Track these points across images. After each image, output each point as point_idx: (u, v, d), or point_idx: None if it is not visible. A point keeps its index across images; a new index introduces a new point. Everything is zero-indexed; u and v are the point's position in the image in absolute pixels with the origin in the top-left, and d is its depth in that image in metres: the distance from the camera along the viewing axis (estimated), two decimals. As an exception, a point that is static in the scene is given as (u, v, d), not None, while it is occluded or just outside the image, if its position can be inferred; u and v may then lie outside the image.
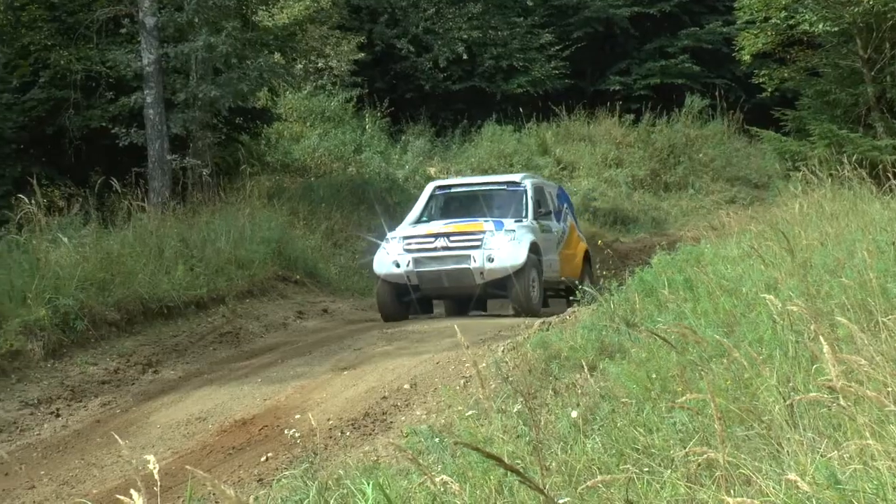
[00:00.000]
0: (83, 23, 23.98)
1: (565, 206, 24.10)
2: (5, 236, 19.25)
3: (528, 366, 12.87)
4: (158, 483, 5.51)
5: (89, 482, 12.68)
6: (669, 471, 7.17)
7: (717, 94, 39.00)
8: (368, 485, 8.31)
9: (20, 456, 13.56)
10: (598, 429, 8.98)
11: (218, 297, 20.32)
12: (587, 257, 24.23)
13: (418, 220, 21.70)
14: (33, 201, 20.01)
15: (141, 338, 18.49)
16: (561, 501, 6.47)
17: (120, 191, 21.81)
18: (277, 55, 27.42)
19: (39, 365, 16.83)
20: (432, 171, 31.90)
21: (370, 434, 13.25)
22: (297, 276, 22.50)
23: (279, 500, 8.98)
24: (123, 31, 24.05)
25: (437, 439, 10.39)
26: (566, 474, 7.87)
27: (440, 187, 22.90)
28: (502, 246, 20.19)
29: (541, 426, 8.90)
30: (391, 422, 13.69)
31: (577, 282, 21.35)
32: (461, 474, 8.04)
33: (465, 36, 36.10)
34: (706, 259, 15.48)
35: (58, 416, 15.49)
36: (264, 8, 28.15)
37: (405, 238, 20.60)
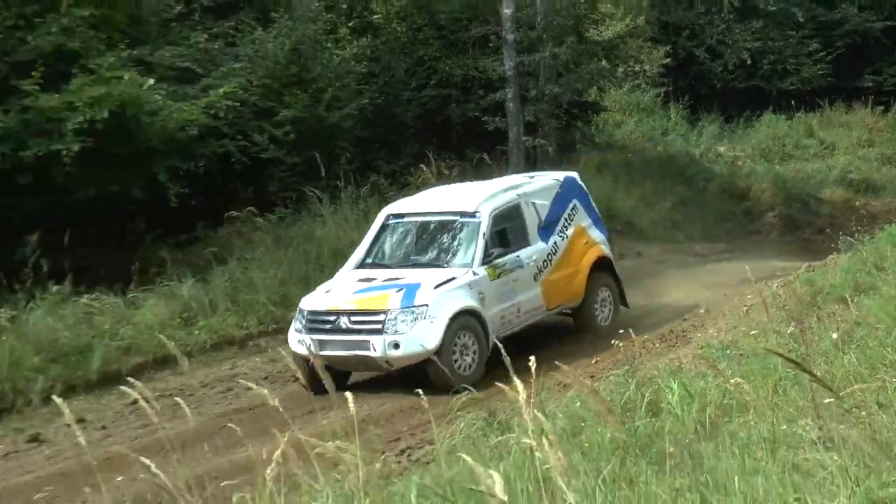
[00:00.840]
0: (462, 39, 24.43)
1: (570, 208, 15.26)
2: (409, 196, 19.96)
3: (797, 298, 12.59)
4: (534, 370, 5.67)
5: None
6: (915, 382, 7.01)
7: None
8: (674, 383, 8.38)
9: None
10: (854, 348, 8.82)
11: (558, 241, 20.47)
12: (601, 264, 15.43)
13: (363, 260, 14.35)
14: (427, 170, 20.75)
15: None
16: (826, 401, 6.40)
17: (489, 163, 22.34)
18: (604, 62, 27.29)
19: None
20: (722, 149, 31.33)
21: (674, 346, 13.28)
22: (618, 227, 22.42)
23: (607, 392, 9.09)
24: (490, 45, 24.39)
25: (727, 351, 10.36)
26: (828, 381, 7.75)
27: (394, 215, 14.87)
28: (410, 329, 12.73)
29: (808, 344, 8.76)
30: (690, 337, 13.67)
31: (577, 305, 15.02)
32: (744, 377, 8.01)
33: (749, 46, 35.13)
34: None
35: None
36: (595, 26, 28.07)
37: (309, 314, 13.43)
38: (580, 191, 15.73)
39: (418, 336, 12.76)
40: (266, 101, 19.80)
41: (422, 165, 21.20)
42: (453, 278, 13.39)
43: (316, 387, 12.09)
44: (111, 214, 17.60)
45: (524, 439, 5.76)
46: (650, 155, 28.37)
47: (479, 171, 22.20)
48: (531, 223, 14.58)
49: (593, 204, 15.82)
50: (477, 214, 14.02)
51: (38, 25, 16.62)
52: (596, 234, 15.60)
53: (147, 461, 5.17)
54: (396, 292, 13.11)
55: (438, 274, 13.53)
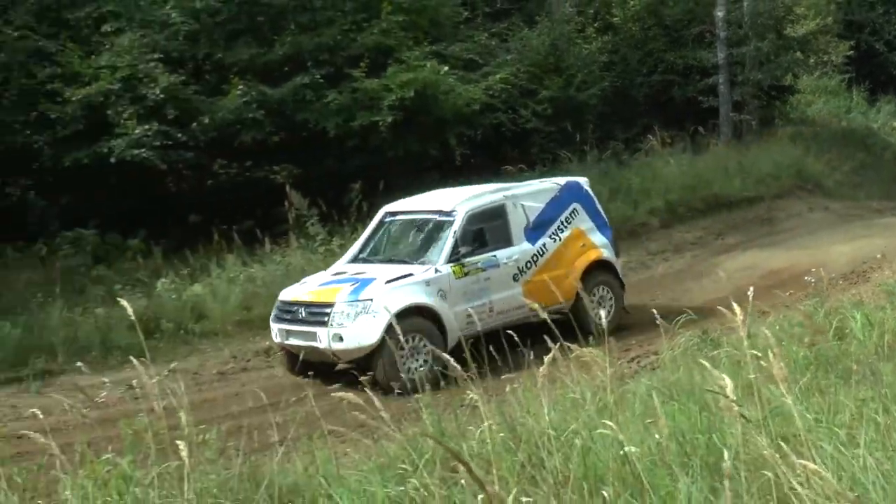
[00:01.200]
0: (683, 36, 23.64)
1: (569, 211, 11.94)
2: (639, 160, 19.67)
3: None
4: (751, 299, 5.45)
5: (685, 298, 12.69)
6: None
7: None
8: (857, 313, 7.96)
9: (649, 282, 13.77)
10: None
11: (758, 197, 19.58)
12: (598, 267, 12.01)
13: (358, 254, 11.69)
14: (653, 140, 20.36)
15: (715, 218, 18.23)
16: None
17: (703, 134, 21.72)
18: (798, 53, 25.97)
19: (656, 231, 17.04)
20: (895, 124, 29.38)
21: (855, 283, 12.60)
22: (809, 187, 21.32)
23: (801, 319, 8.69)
24: (706, 40, 23.58)
25: (902, 289, 9.75)
26: None
27: (390, 213, 11.97)
28: (352, 322, 10.09)
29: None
30: (868, 277, 12.95)
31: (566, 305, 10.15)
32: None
33: (922, 39, 32.75)
34: None
35: (666, 261, 15.70)
36: (791, 25, 26.67)
37: (280, 303, 10.90)
38: (585, 195, 12.28)
39: (359, 330, 10.02)
40: (530, 84, 19.85)
41: (649, 136, 20.92)
42: (410, 274, 10.57)
43: (292, 372, 10.63)
44: (413, 168, 18.02)
45: (737, 351, 5.59)
46: (835, 128, 26.93)
47: (694, 141, 21.74)
48: (516, 224, 11.46)
49: (600, 208, 12.46)
50: (453, 213, 11.14)
51: (364, 28, 17.21)
52: (597, 238, 12.16)
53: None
54: (350, 286, 10.44)
55: (398, 269, 10.74)
